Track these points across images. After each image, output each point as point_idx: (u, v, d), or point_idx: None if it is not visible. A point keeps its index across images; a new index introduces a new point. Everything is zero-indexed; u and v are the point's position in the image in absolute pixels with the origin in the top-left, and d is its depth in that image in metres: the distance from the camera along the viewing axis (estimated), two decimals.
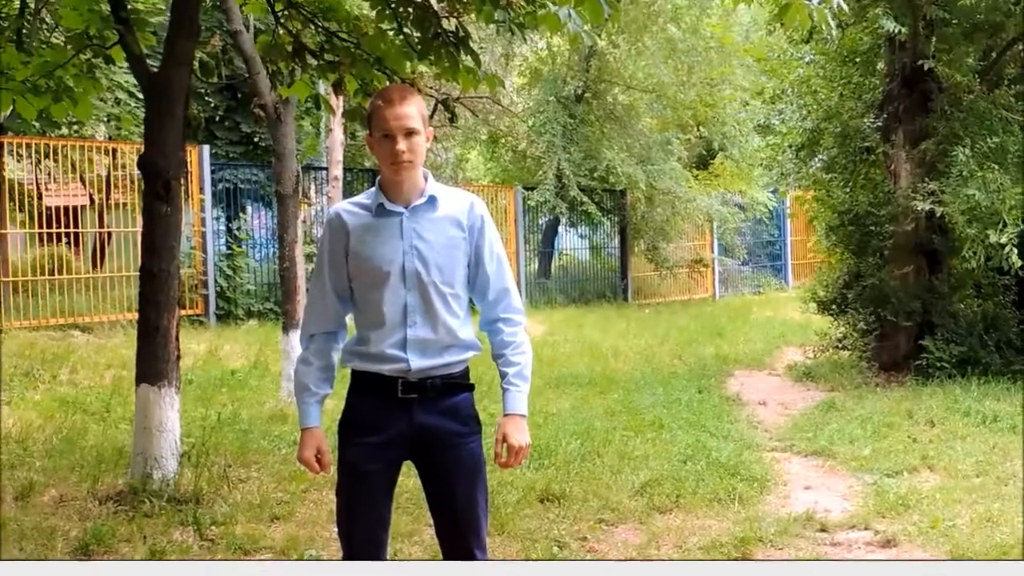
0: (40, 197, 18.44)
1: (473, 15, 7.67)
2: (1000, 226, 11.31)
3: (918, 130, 12.62)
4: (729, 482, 7.74)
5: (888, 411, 10.42)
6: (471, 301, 3.96)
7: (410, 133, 3.74)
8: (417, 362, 3.76)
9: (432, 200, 3.84)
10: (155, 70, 7.38)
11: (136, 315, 7.58)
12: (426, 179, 3.86)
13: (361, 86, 8.33)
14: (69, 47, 7.98)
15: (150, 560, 5.94)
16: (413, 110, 3.76)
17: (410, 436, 3.78)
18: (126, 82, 16.78)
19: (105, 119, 19.46)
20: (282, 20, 8.52)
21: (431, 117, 9.57)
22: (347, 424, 3.85)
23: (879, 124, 13.15)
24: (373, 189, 3.88)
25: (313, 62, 8.46)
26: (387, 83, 8.15)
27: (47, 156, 17.74)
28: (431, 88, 14.43)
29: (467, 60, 7.77)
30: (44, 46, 11.48)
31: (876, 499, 7.38)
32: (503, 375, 3.89)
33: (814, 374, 13.40)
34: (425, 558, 5.83)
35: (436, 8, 7.75)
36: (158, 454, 7.13)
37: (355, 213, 3.86)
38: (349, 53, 8.12)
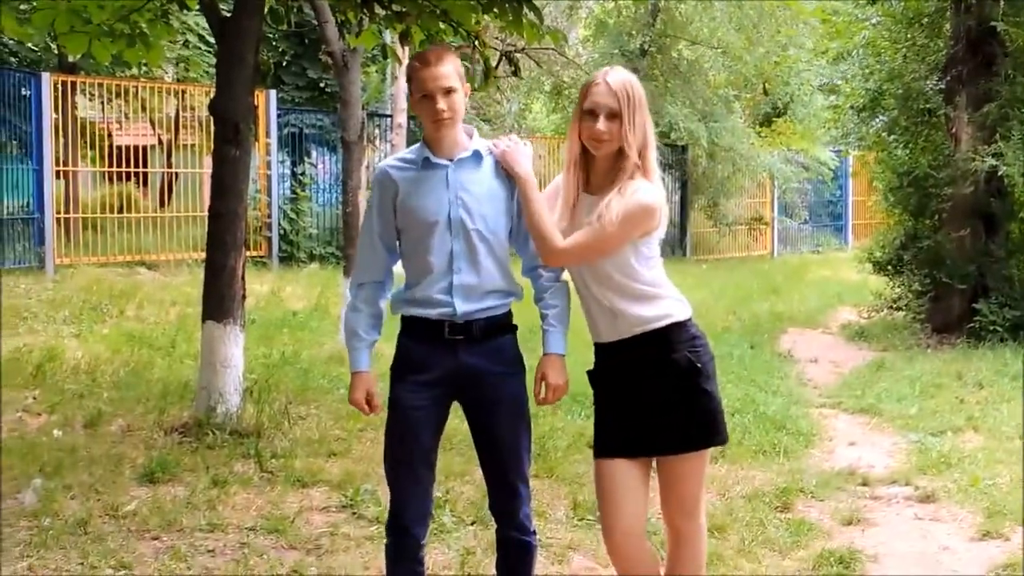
0: (110, 136, 18.77)
1: None
2: None
3: (981, 93, 12.56)
4: (775, 435, 7.88)
5: (937, 372, 10.50)
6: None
7: (448, 92, 3.91)
8: (462, 306, 3.95)
9: (476, 154, 4.03)
10: (227, 15, 7.57)
11: (201, 254, 7.77)
12: (470, 136, 4.06)
13: (427, 37, 8.47)
14: None
15: (212, 489, 6.21)
16: (449, 69, 3.93)
17: (456, 375, 3.99)
18: (197, 24, 16.99)
19: (174, 61, 19.73)
20: None
21: (496, 68, 9.70)
22: (398, 365, 4.07)
23: (942, 87, 13.09)
24: (418, 145, 4.08)
25: (381, 12, 8.58)
26: (453, 34, 8.32)
27: (118, 96, 18.07)
28: (497, 39, 14.56)
29: (530, 15, 7.89)
30: None
31: (919, 457, 7.51)
32: (543, 317, 4.11)
33: (867, 334, 13.46)
34: (475, 496, 6.03)
35: None
36: (222, 389, 7.36)
37: (402, 168, 4.06)
38: (416, 5, 8.23)
